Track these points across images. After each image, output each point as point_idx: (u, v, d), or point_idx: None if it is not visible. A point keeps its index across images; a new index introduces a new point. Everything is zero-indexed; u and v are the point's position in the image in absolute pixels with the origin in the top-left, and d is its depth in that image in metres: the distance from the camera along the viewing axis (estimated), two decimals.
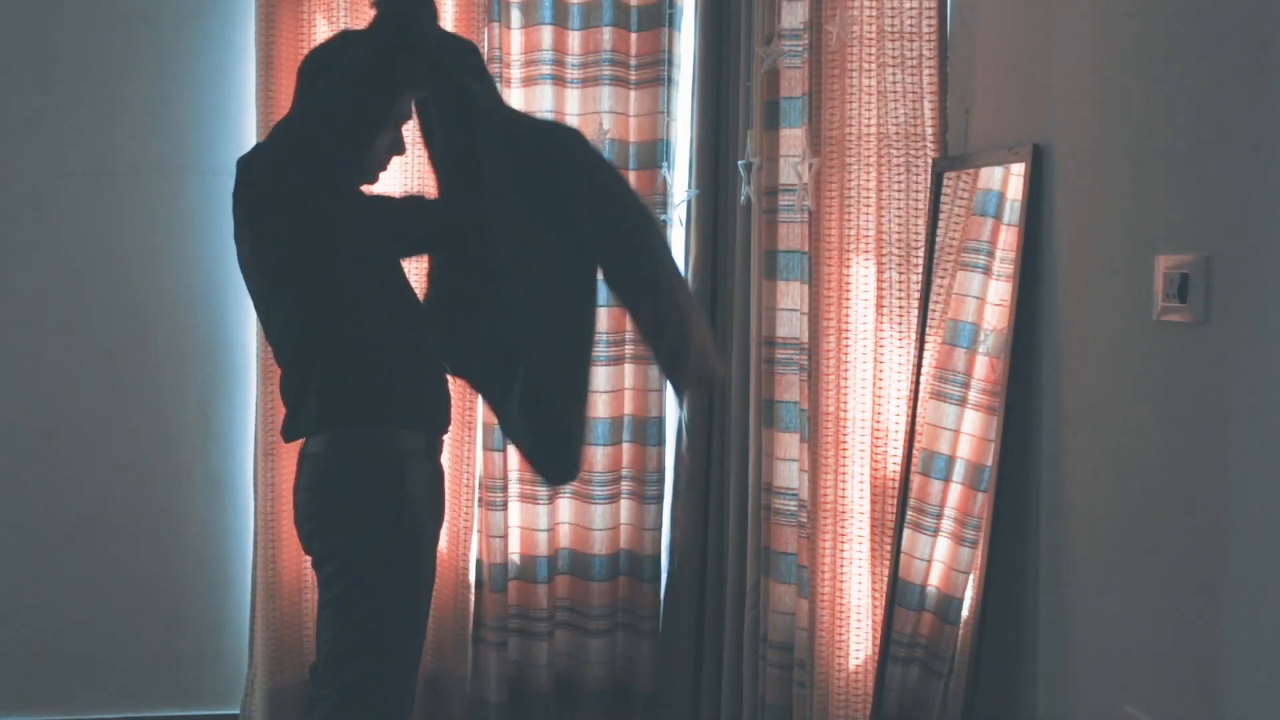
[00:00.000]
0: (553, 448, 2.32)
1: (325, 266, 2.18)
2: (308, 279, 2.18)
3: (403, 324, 2.27)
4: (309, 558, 2.30)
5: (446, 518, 2.55)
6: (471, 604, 3.24)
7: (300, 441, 2.26)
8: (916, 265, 2.76)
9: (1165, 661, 2.02)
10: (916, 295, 2.75)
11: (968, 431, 2.57)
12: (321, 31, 3.11)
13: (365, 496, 2.19)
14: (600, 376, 3.29)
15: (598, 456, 3.30)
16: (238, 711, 3.27)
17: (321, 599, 2.23)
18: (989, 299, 2.55)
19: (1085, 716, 2.24)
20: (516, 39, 3.21)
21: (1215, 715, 1.91)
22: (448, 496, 2.44)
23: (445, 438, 2.37)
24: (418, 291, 2.40)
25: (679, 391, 2.57)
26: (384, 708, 2.21)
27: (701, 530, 3.32)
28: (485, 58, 2.27)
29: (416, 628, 2.28)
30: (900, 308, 2.78)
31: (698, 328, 2.34)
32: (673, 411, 3.34)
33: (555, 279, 2.28)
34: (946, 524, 2.61)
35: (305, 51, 3.08)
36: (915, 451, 2.70)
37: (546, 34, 3.23)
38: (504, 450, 3.20)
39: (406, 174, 3.05)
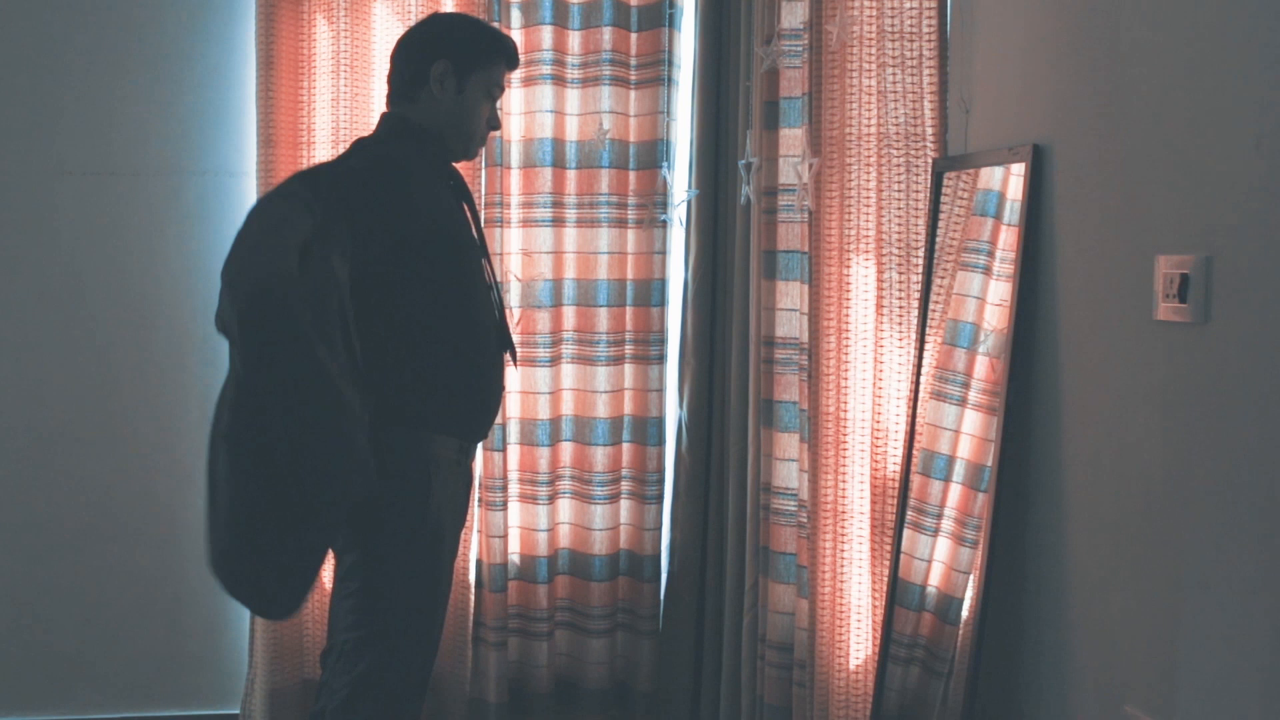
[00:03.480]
0: None
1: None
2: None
3: (453, 331, 2.28)
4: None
5: None
6: (471, 604, 3.24)
7: None
8: (916, 265, 2.76)
9: (1165, 661, 2.02)
10: (916, 295, 2.75)
11: (968, 431, 2.57)
12: (322, 31, 3.11)
13: (394, 494, 2.20)
14: (600, 376, 3.29)
15: (598, 456, 3.30)
16: (238, 711, 3.27)
17: (342, 589, 2.25)
18: (989, 299, 2.55)
19: (1085, 716, 2.24)
20: (517, 39, 3.21)
21: (1214, 715, 1.91)
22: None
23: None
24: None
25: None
26: (396, 701, 2.23)
27: (701, 530, 3.33)
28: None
29: (433, 626, 2.30)
30: (900, 308, 2.78)
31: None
32: (673, 411, 3.34)
33: None
34: (946, 524, 2.61)
35: (305, 52, 3.10)
36: (915, 451, 2.70)
37: (547, 34, 3.23)
38: (503, 450, 3.20)
39: None
